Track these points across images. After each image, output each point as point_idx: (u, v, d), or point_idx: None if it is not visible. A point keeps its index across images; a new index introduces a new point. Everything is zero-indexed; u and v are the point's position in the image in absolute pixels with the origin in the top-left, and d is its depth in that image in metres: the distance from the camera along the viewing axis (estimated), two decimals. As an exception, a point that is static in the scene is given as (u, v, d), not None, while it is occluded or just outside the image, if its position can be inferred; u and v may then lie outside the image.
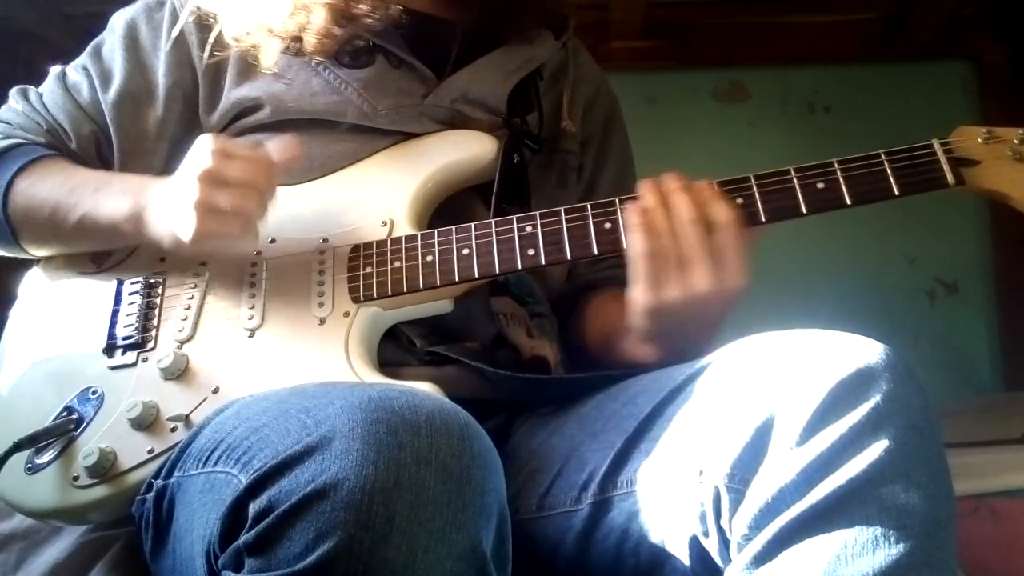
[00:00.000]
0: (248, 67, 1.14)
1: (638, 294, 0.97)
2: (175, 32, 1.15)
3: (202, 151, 0.97)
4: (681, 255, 0.94)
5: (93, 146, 1.16)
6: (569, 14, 1.26)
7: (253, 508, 0.70)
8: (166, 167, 1.19)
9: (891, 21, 2.70)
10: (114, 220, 1.04)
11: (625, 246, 0.98)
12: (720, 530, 0.81)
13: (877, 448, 0.74)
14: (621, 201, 1.00)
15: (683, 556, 0.85)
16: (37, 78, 1.21)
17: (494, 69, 1.15)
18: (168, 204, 0.99)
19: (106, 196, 1.05)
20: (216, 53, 1.13)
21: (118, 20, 1.20)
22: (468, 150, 1.11)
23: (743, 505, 0.78)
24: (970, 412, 2.09)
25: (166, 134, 1.17)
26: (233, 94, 1.13)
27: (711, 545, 0.82)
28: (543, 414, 1.05)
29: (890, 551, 0.72)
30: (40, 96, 1.18)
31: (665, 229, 0.95)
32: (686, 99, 2.78)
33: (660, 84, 2.76)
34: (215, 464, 0.81)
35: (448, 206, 1.12)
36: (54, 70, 1.20)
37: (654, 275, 0.95)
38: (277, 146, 1.01)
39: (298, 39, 1.10)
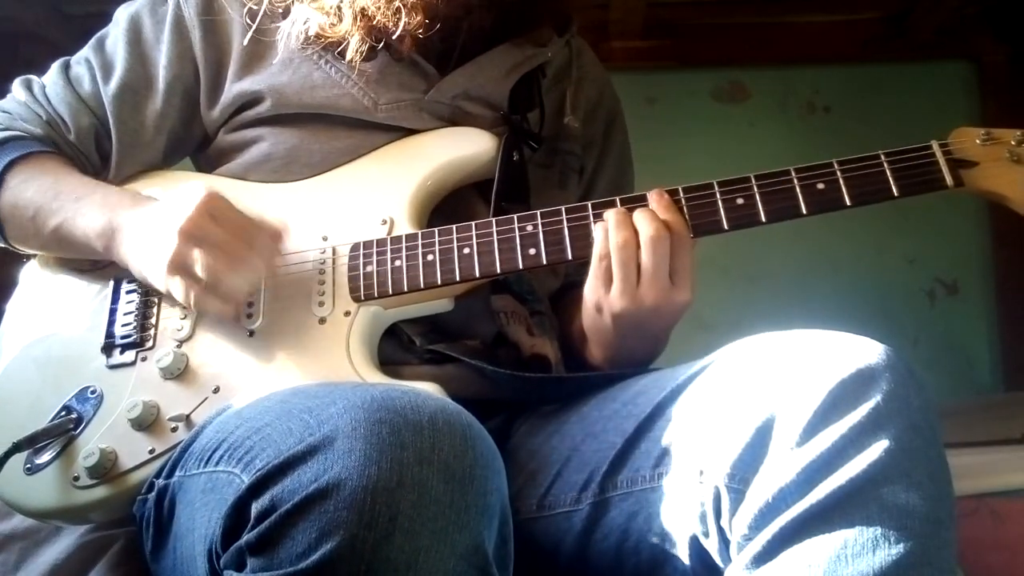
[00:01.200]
0: (250, 61, 1.14)
1: (587, 292, 1.00)
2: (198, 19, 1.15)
3: (195, 199, 0.96)
4: (637, 267, 0.96)
5: (92, 139, 1.16)
6: (572, 13, 1.25)
7: (255, 507, 0.70)
8: (164, 161, 1.19)
9: (891, 21, 2.70)
10: (87, 234, 1.04)
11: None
12: (720, 530, 0.81)
13: (878, 448, 0.75)
14: (623, 201, 1.00)
15: (683, 556, 0.85)
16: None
17: (496, 66, 1.15)
18: (142, 240, 1.00)
19: (86, 206, 1.05)
20: (261, 38, 1.13)
21: (122, 13, 1.20)
22: (468, 148, 1.11)
23: (743, 505, 0.79)
24: (970, 412, 2.08)
25: (165, 128, 1.17)
26: (235, 88, 1.13)
27: (711, 545, 0.82)
28: (543, 414, 1.05)
29: (890, 551, 0.72)
30: (43, 87, 1.18)
31: (628, 239, 0.96)
32: (686, 99, 2.78)
33: (660, 84, 2.76)
34: (217, 464, 0.81)
35: (448, 204, 1.12)
36: (58, 62, 1.20)
37: (607, 279, 0.98)
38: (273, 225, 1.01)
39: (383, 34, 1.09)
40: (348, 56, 1.09)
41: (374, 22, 1.07)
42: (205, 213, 0.96)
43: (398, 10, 1.05)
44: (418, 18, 1.06)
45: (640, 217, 0.97)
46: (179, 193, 1.00)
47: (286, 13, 1.13)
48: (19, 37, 2.51)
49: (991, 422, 1.97)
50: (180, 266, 0.96)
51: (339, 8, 1.08)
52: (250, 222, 0.99)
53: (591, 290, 1.00)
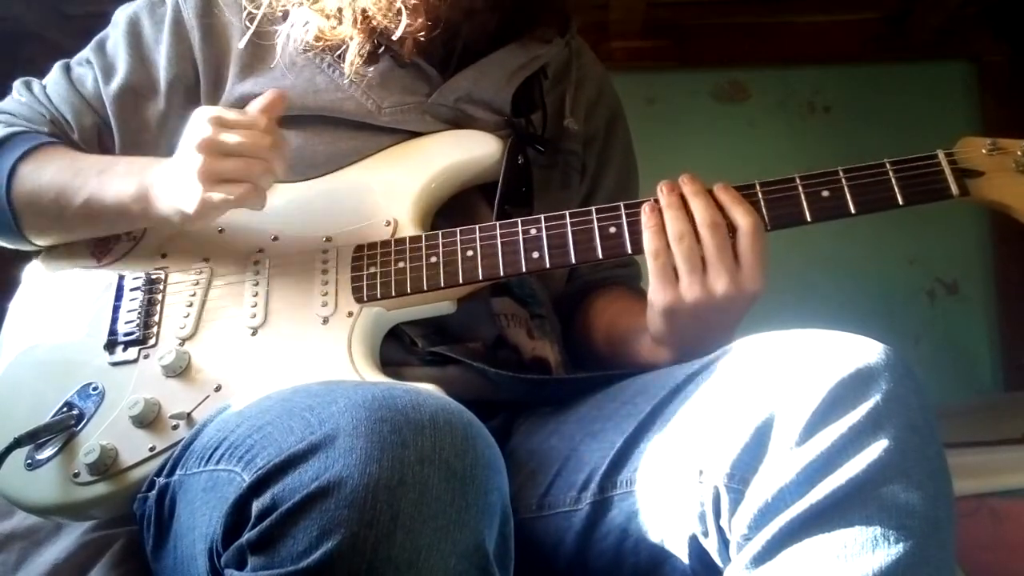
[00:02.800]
0: (252, 62, 1.14)
1: (654, 294, 0.97)
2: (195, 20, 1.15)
3: (199, 121, 0.97)
4: (700, 257, 0.94)
5: (95, 138, 1.16)
6: (572, 14, 1.26)
7: (256, 506, 0.70)
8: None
9: (891, 21, 2.70)
10: (120, 200, 1.04)
11: (628, 249, 0.99)
12: (720, 530, 0.81)
13: (877, 448, 0.75)
14: (626, 206, 1.00)
15: (683, 556, 0.85)
16: (37, 78, 1.21)
17: (498, 68, 1.14)
18: (172, 179, 1.00)
19: (111, 177, 1.06)
20: (259, 41, 1.13)
21: (121, 15, 1.21)
22: (473, 150, 1.11)
23: (743, 505, 0.79)
24: (970, 412, 2.09)
25: (167, 127, 1.17)
26: (237, 89, 1.13)
27: (711, 545, 0.83)
28: (543, 414, 1.06)
29: (890, 551, 0.72)
30: (44, 88, 1.19)
31: (684, 231, 0.95)
32: (686, 99, 2.78)
33: (660, 84, 2.76)
34: (218, 462, 0.81)
35: (451, 206, 1.12)
36: (59, 63, 1.21)
37: (670, 275, 0.95)
38: (262, 101, 1.01)
39: (385, 37, 1.09)
40: (348, 60, 1.09)
41: (374, 24, 1.07)
42: (212, 124, 0.96)
43: (399, 11, 1.05)
44: (419, 20, 1.05)
45: (695, 203, 0.96)
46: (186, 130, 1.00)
47: (285, 16, 1.13)
48: (19, 37, 2.51)
49: (991, 422, 1.97)
50: (211, 177, 0.95)
51: (339, 10, 1.08)
52: (253, 115, 0.99)
53: (658, 292, 0.96)
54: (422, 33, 1.06)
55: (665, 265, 0.95)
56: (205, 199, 0.96)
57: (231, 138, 0.96)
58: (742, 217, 0.95)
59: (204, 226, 1.04)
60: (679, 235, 0.95)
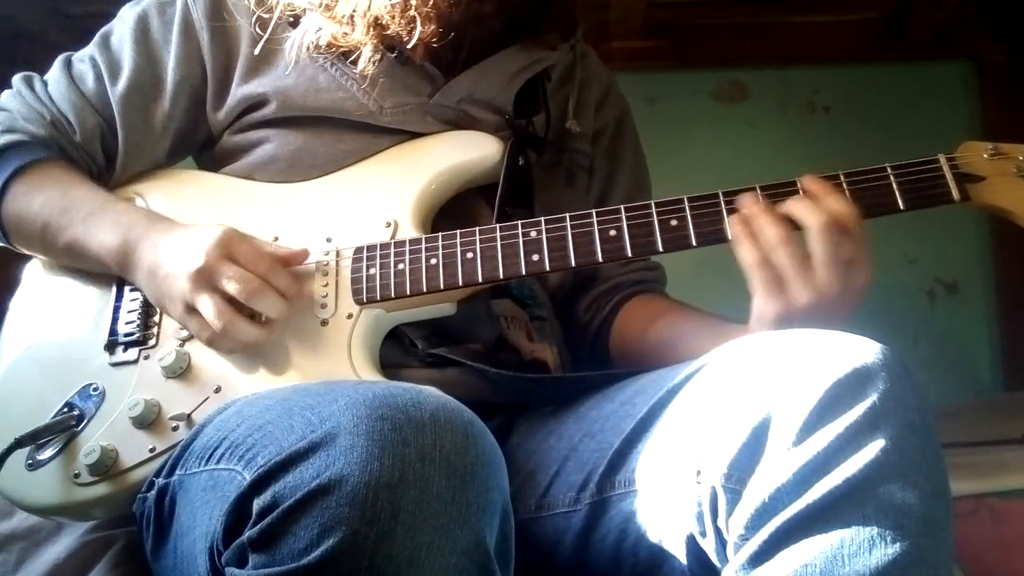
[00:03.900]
0: (257, 65, 1.14)
1: (764, 306, 0.93)
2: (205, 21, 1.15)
3: (208, 239, 0.97)
4: (803, 259, 0.91)
5: (98, 139, 1.16)
6: (578, 18, 1.25)
7: (257, 504, 0.71)
8: (168, 160, 1.20)
9: (891, 21, 2.70)
10: (100, 253, 1.05)
11: (628, 252, 0.98)
12: (717, 530, 0.81)
13: (874, 448, 0.75)
14: (627, 209, 1.00)
15: (681, 556, 0.85)
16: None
17: (501, 70, 1.14)
18: (156, 270, 1.01)
19: (97, 224, 1.06)
20: (271, 45, 1.13)
21: (129, 12, 1.20)
22: (473, 151, 1.11)
23: (740, 505, 0.78)
24: (970, 412, 2.08)
25: (171, 128, 1.17)
26: (240, 90, 1.14)
27: (708, 545, 0.83)
28: (542, 414, 1.06)
29: (887, 551, 0.72)
30: (45, 85, 1.18)
31: (780, 236, 0.92)
32: (686, 99, 2.77)
33: (660, 84, 2.75)
34: (218, 461, 0.82)
35: (452, 207, 1.12)
36: (60, 58, 1.20)
37: (776, 285, 0.92)
38: (286, 251, 1.03)
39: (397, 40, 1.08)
40: (360, 66, 1.08)
41: (388, 31, 1.07)
42: (222, 254, 0.97)
43: (412, 19, 1.04)
44: (432, 27, 1.05)
45: (801, 208, 0.93)
46: (197, 215, 1.02)
47: (295, 22, 1.13)
48: (19, 37, 2.50)
49: (991, 422, 1.97)
50: (192, 308, 0.97)
51: (352, 17, 1.08)
52: (267, 258, 0.99)
53: (768, 304, 0.92)
54: (434, 39, 1.06)
55: (770, 276, 0.92)
56: (181, 320, 1.00)
57: (227, 275, 0.96)
58: (842, 209, 0.92)
59: None
60: (776, 242, 0.91)
